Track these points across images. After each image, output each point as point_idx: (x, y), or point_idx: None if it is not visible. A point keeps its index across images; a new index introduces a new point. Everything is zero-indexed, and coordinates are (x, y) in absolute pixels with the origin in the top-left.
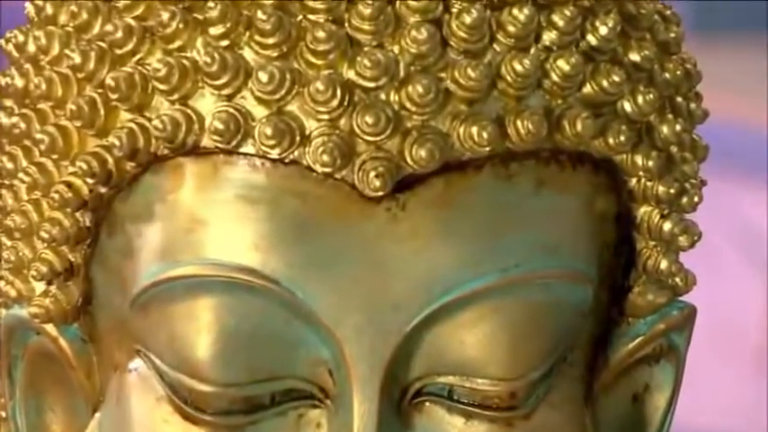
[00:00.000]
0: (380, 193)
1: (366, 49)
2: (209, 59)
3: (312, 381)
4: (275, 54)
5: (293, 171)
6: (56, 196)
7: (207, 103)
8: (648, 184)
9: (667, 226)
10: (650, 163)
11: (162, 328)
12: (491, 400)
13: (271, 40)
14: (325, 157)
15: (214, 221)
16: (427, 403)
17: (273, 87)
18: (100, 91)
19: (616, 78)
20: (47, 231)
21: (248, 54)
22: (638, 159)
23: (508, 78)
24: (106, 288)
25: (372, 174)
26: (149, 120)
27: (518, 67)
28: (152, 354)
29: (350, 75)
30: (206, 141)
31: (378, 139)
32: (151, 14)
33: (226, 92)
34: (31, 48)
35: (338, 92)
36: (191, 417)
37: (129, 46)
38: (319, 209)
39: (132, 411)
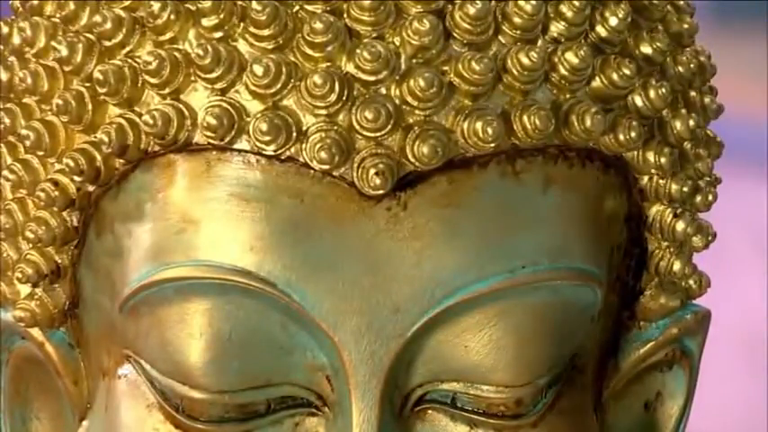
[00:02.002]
0: (381, 192)
1: (366, 41)
2: (201, 52)
3: (309, 387)
4: (271, 46)
5: (289, 168)
6: (42, 195)
7: (199, 98)
8: (661, 182)
9: (680, 226)
10: (663, 160)
11: (153, 333)
12: (496, 408)
13: (266, 32)
14: (323, 154)
15: (207, 221)
16: (430, 411)
17: (269, 81)
18: (87, 85)
19: (627, 71)
20: (32, 231)
21: (242, 46)
22: (650, 156)
23: (514, 72)
24: (95, 291)
25: (372, 171)
26: (139, 115)
27: (524, 60)
28: (143, 359)
29: (349, 68)
30: (198, 137)
31: (378, 134)
32: (141, 5)
33: (219, 86)
34: (16, 39)
35: (336, 86)
36: (183, 425)
37: (119, 38)
38: (317, 208)
39: (122, 419)
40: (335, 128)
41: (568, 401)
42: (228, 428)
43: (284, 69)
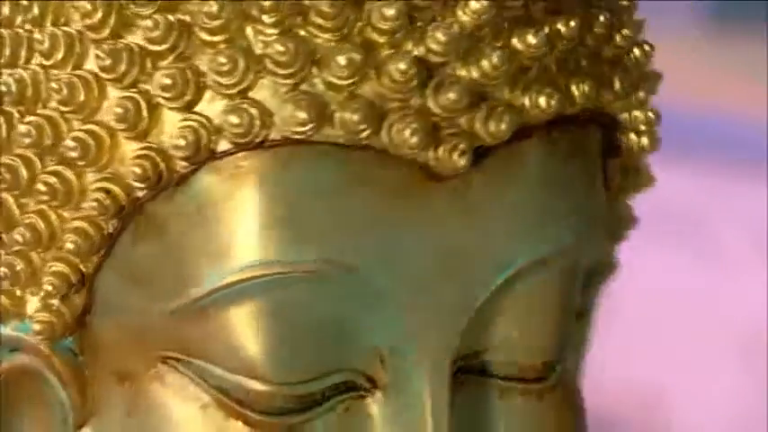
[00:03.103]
0: (462, 171)
1: (433, 24)
2: (279, 47)
3: (363, 371)
4: (338, 37)
5: (366, 156)
6: (94, 204)
7: (270, 93)
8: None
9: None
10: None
11: (221, 333)
12: (525, 372)
13: (330, 24)
14: (405, 139)
15: (280, 217)
16: (464, 380)
17: (347, 72)
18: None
19: (628, 32)
20: (73, 242)
21: (310, 39)
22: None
23: (559, 44)
24: (122, 295)
25: (456, 153)
26: (207, 117)
27: (563, 30)
28: (202, 360)
29: (419, 51)
30: (274, 134)
31: (456, 115)
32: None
33: (291, 80)
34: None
35: (412, 70)
36: (249, 420)
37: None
38: (389, 192)
39: (170, 419)
40: (413, 112)
41: (569, 366)
42: (289, 420)
43: (359, 58)
